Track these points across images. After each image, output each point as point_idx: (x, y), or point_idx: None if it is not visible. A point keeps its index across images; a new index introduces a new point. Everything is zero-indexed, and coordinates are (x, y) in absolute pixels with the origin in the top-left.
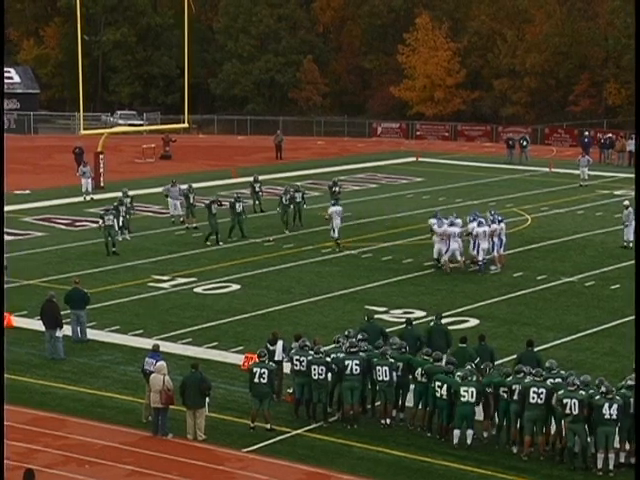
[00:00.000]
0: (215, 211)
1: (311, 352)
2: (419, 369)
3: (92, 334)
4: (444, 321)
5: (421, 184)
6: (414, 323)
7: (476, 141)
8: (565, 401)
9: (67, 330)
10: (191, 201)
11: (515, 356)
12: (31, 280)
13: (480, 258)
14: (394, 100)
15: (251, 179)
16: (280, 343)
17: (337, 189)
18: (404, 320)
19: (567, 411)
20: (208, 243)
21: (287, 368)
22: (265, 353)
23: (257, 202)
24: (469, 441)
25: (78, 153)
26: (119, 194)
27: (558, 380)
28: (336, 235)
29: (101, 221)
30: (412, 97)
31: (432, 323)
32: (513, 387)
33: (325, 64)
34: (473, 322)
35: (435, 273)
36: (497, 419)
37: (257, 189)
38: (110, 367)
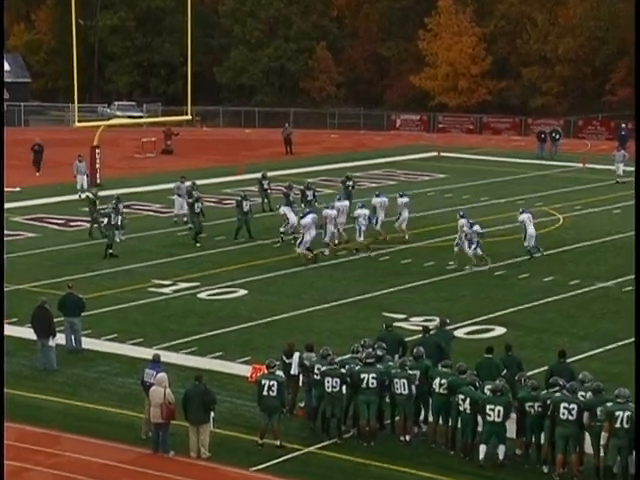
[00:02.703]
0: (198, 210)
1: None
2: (437, 379)
3: (87, 343)
4: (467, 330)
5: (443, 181)
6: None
7: (503, 134)
8: (617, 414)
9: (60, 339)
10: None
11: (546, 368)
12: (22, 285)
13: (533, 244)
14: (414, 90)
15: (259, 176)
16: (297, 355)
17: (350, 183)
18: (430, 328)
19: (617, 425)
20: (198, 244)
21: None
22: (274, 364)
23: (266, 200)
24: (501, 456)
25: (37, 150)
26: (113, 193)
27: (589, 394)
28: (283, 229)
29: (106, 220)
30: (434, 87)
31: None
32: (547, 402)
33: (340, 51)
34: (499, 330)
35: (458, 278)
36: (526, 436)
37: (266, 186)
38: (107, 379)
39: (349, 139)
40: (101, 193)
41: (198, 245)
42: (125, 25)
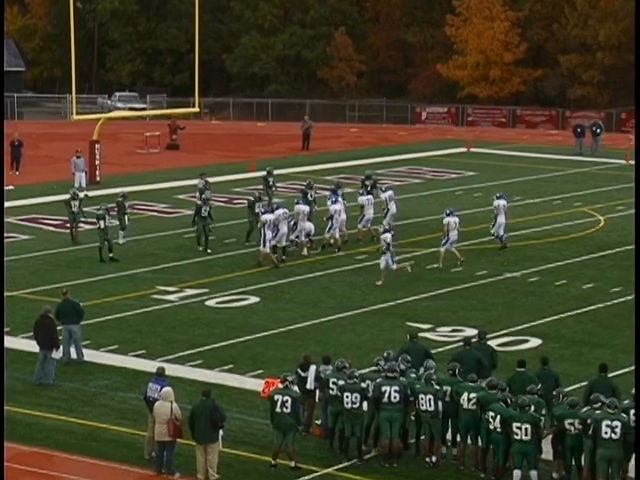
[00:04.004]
0: (205, 214)
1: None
2: (465, 394)
3: (86, 355)
4: (499, 341)
5: (473, 179)
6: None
7: (539, 128)
8: None
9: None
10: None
11: (585, 383)
12: (15, 291)
13: (501, 233)
14: (441, 80)
15: (264, 173)
16: (313, 369)
17: (370, 183)
18: (459, 339)
19: None
20: (209, 250)
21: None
22: (289, 378)
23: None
24: None
25: (17, 146)
26: (116, 191)
27: None
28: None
29: (102, 222)
30: (463, 76)
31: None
32: (588, 420)
33: (360, 37)
34: (534, 342)
35: (489, 284)
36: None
37: (271, 183)
38: (107, 394)
39: (370, 133)
40: (101, 192)
41: (201, 250)
42: (127, 9)
